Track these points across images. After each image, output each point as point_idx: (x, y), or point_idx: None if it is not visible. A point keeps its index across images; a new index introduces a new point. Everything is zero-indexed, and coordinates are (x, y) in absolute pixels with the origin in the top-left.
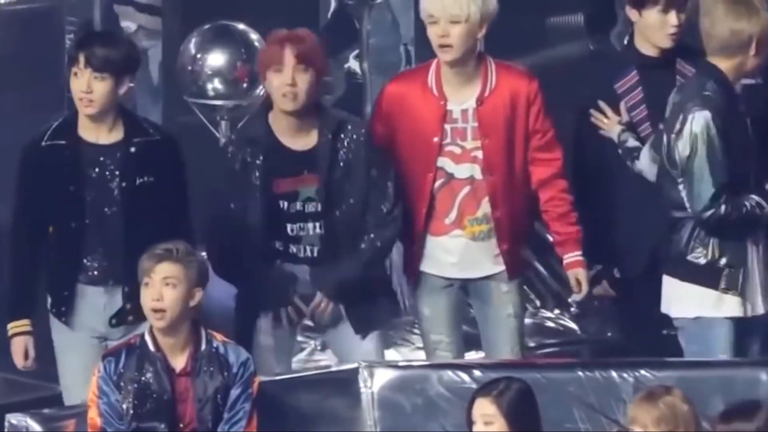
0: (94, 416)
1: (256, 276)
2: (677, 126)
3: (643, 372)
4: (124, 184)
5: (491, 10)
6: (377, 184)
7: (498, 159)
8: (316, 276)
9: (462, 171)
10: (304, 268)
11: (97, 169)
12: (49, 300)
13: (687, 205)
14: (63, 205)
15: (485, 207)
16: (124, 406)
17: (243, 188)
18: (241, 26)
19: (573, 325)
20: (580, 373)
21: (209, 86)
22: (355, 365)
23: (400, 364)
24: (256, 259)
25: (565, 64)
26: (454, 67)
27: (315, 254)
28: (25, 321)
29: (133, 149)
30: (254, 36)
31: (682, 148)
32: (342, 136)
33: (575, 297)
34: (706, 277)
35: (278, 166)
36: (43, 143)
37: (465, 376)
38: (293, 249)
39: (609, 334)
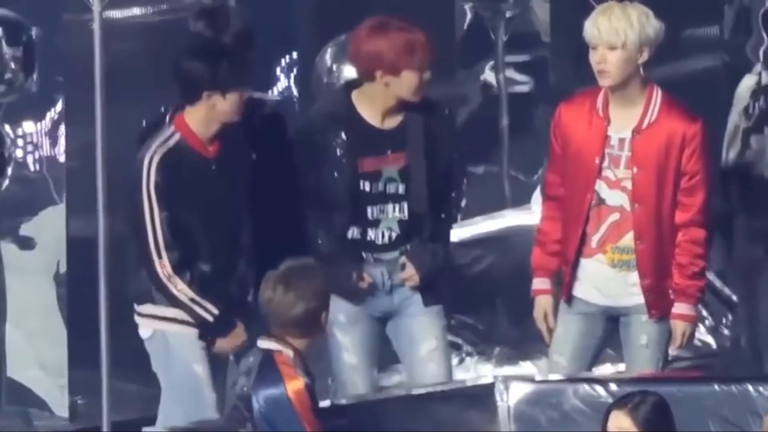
0: None
1: (332, 258)
2: None
3: None
4: None
5: (651, 35)
6: (456, 168)
7: (647, 192)
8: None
9: (613, 198)
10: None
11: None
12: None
13: None
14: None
15: (628, 238)
16: None
17: (324, 165)
18: None
19: (708, 339)
20: (716, 387)
21: None
22: (491, 380)
23: (536, 378)
24: (333, 241)
25: (698, 76)
26: (614, 91)
27: (393, 239)
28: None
29: None
30: None
31: None
32: (429, 115)
33: (671, 348)
34: None
35: (362, 144)
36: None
37: (601, 390)
38: (371, 235)
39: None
